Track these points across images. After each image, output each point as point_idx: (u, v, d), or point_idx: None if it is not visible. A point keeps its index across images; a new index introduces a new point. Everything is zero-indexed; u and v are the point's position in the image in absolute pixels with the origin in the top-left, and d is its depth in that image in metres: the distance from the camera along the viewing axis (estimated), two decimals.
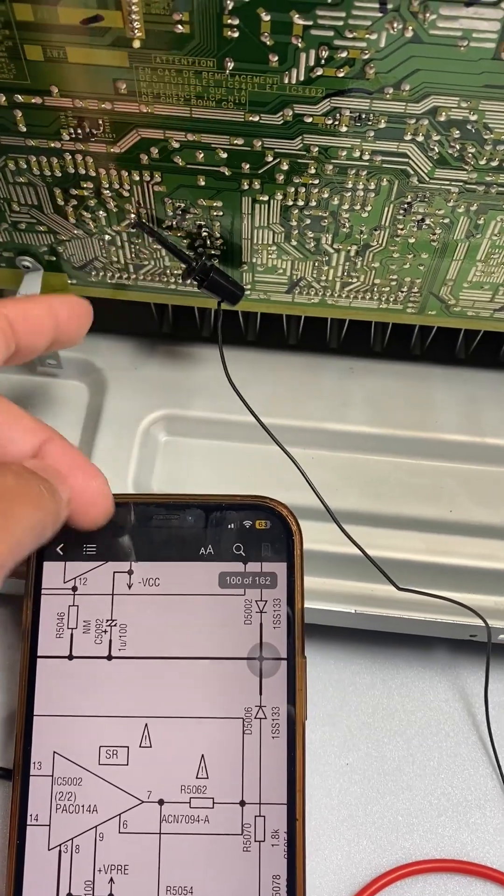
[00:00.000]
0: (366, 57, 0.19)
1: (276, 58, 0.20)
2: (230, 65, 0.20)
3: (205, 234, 0.25)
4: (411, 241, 0.25)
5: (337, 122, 0.21)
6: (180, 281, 0.27)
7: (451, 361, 0.31)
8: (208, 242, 0.25)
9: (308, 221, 0.24)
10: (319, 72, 0.20)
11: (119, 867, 0.23)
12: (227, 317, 0.28)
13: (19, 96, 0.21)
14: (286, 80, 0.20)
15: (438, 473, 0.30)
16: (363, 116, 0.21)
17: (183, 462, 0.30)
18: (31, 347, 0.21)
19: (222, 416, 0.30)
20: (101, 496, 0.22)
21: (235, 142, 0.22)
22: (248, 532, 0.24)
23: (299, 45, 0.19)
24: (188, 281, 0.27)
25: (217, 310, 0.26)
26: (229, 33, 0.19)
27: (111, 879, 0.23)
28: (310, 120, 0.21)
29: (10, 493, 0.18)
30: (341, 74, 0.20)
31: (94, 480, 0.21)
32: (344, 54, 0.19)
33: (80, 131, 0.22)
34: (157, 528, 0.25)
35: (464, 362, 0.31)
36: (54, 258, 0.27)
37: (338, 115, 0.21)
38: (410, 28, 0.19)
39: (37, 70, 0.21)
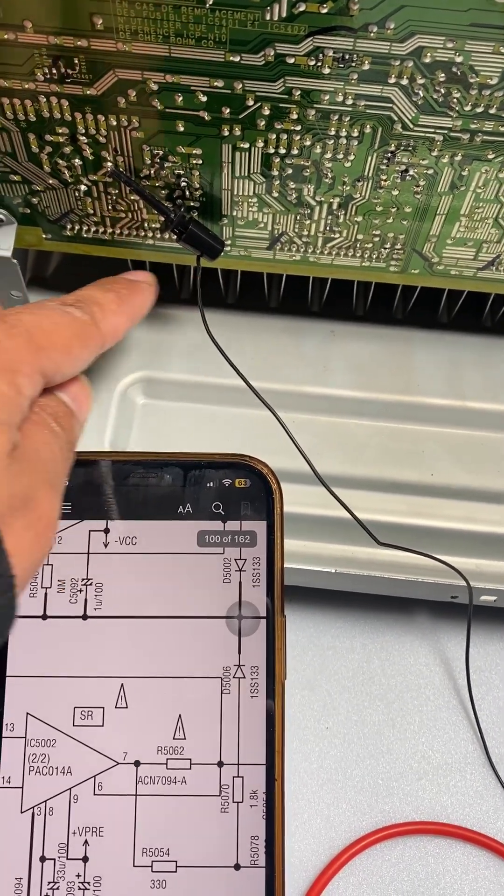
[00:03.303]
0: None
1: None
2: None
3: (184, 184, 0.24)
4: (395, 193, 0.24)
5: (320, 64, 0.21)
6: (158, 235, 0.26)
7: (433, 325, 0.31)
8: (187, 193, 0.25)
9: (290, 171, 0.24)
10: (302, 7, 0.19)
11: (94, 829, 0.22)
12: (206, 278, 0.27)
13: None
14: (268, 17, 0.20)
15: (420, 437, 0.30)
16: (346, 57, 0.20)
17: (161, 425, 0.30)
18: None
19: (201, 379, 0.30)
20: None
21: (215, 84, 0.21)
22: (227, 490, 0.24)
23: None
24: (166, 234, 0.26)
25: (196, 266, 0.26)
26: None
27: (86, 842, 0.22)
28: (292, 61, 0.21)
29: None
30: (324, 10, 0.19)
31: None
32: None
33: (55, 71, 0.21)
34: (134, 486, 0.24)
35: (446, 326, 0.31)
36: (28, 211, 0.26)
37: (321, 55, 0.20)
38: None
39: (9, 2, 0.20)
